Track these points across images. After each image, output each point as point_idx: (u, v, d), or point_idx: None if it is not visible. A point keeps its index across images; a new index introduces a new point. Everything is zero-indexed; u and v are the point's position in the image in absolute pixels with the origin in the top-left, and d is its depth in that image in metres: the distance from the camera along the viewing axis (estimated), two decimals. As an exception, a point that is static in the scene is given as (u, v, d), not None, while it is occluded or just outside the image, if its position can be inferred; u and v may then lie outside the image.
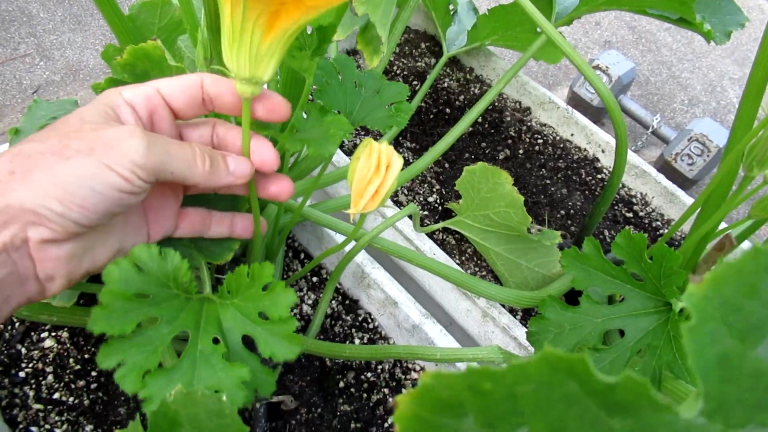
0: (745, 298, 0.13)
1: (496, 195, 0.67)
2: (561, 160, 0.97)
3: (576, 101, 1.57)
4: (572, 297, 0.80)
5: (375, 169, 0.39)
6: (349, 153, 0.90)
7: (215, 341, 0.39)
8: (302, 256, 0.76)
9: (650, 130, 1.52)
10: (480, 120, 1.00)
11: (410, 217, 0.75)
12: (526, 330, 0.57)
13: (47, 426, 0.57)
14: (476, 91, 1.04)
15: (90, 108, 0.38)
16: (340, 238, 0.72)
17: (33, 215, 0.33)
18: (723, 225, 0.81)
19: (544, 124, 1.02)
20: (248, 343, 0.41)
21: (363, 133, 0.96)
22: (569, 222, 0.89)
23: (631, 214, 0.91)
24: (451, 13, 1.03)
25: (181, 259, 0.39)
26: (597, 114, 1.56)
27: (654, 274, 0.50)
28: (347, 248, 0.67)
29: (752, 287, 0.13)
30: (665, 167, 1.45)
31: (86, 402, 0.59)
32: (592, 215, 0.76)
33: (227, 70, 0.40)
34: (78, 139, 0.35)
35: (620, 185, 0.95)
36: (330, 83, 0.53)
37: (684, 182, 1.42)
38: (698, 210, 0.66)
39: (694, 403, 0.14)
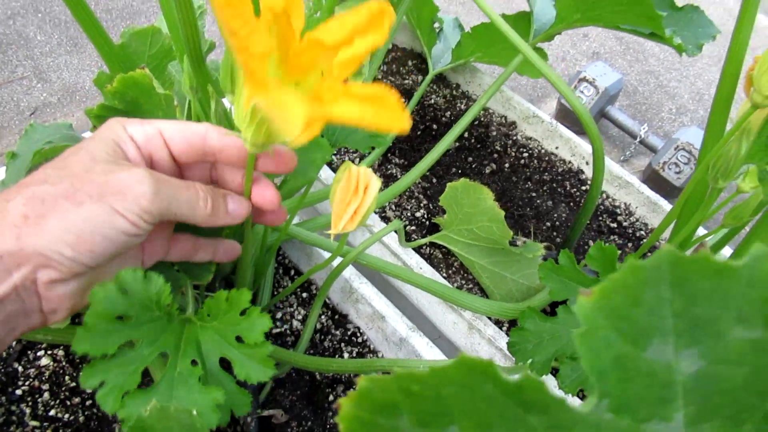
0: (631, 308, 0.15)
1: (479, 210, 0.70)
2: (546, 173, 0.99)
3: (564, 113, 1.59)
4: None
5: (353, 192, 0.41)
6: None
7: (193, 363, 0.40)
8: (292, 272, 0.78)
9: (638, 139, 1.55)
10: (466, 135, 1.02)
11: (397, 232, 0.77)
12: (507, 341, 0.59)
13: (43, 443, 0.59)
14: (462, 106, 1.07)
15: (98, 143, 0.39)
16: (328, 255, 0.74)
17: (44, 259, 0.35)
18: (705, 232, 0.82)
19: (530, 138, 1.04)
20: (226, 364, 0.43)
21: (353, 152, 0.98)
22: (555, 234, 0.91)
23: (615, 225, 0.93)
24: (437, 31, 1.06)
25: (164, 282, 0.40)
26: (585, 125, 1.58)
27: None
28: (334, 264, 0.68)
29: (636, 298, 0.15)
30: (653, 176, 1.47)
31: (81, 418, 0.61)
32: (573, 227, 0.78)
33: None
34: (89, 183, 0.36)
35: (604, 196, 0.97)
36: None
37: (672, 190, 1.44)
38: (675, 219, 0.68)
39: (591, 401, 0.16)
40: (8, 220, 0.34)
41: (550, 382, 0.68)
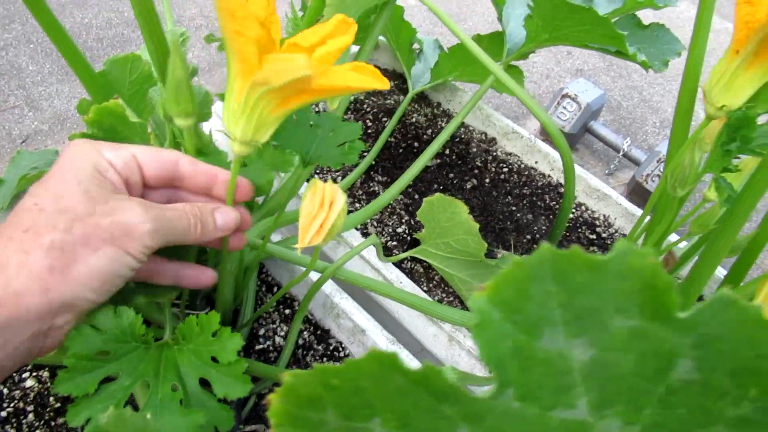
0: (522, 301, 0.17)
1: (455, 223, 0.71)
2: (526, 187, 1.01)
3: (548, 129, 1.62)
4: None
5: (319, 206, 0.43)
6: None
7: (174, 388, 0.42)
8: (275, 289, 0.79)
9: (621, 153, 1.58)
10: (447, 152, 1.05)
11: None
12: (482, 350, 0.60)
13: (27, 463, 0.59)
14: (443, 124, 1.09)
15: (84, 176, 0.40)
16: (313, 273, 0.75)
17: (69, 307, 0.37)
18: (678, 239, 0.84)
19: (510, 153, 1.06)
20: (206, 382, 0.44)
21: (336, 171, 1.00)
22: (535, 246, 0.93)
23: (594, 236, 0.95)
24: (417, 52, 1.09)
25: (135, 314, 0.42)
26: (569, 140, 1.61)
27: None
28: (315, 279, 0.70)
29: (525, 292, 0.17)
30: (637, 188, 1.50)
31: (65, 439, 0.62)
32: (549, 239, 0.79)
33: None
34: (98, 227, 0.38)
35: (583, 209, 0.99)
36: (285, 126, 0.58)
37: (656, 202, 1.46)
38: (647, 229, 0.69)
39: (491, 388, 0.17)
40: (34, 273, 0.35)
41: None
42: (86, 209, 0.38)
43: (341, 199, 0.46)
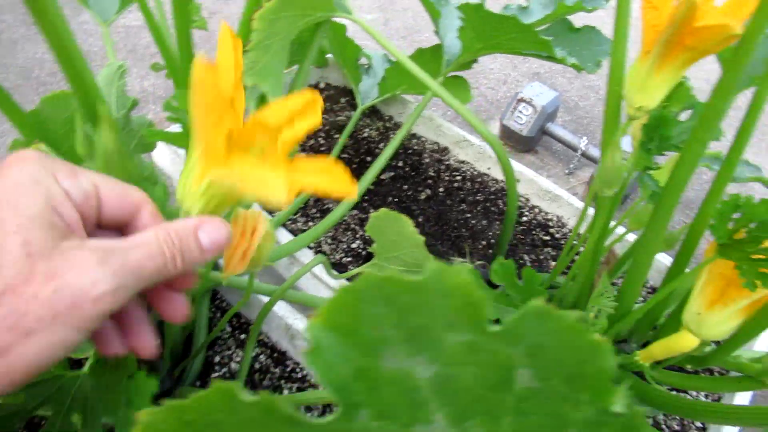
0: (357, 324, 0.17)
1: (402, 237, 0.72)
2: (479, 194, 1.02)
3: (507, 133, 1.65)
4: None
5: (241, 235, 0.43)
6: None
7: (73, 424, 0.41)
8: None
9: (579, 152, 1.60)
10: (401, 164, 1.06)
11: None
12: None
13: None
14: (395, 137, 1.10)
15: (26, 216, 0.31)
16: (263, 297, 0.75)
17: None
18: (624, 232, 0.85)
19: (462, 161, 1.08)
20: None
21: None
22: (490, 251, 0.94)
23: (548, 237, 0.97)
24: (366, 67, 1.10)
25: None
26: (527, 143, 1.64)
27: (524, 295, 0.54)
28: (265, 301, 0.70)
29: (358, 315, 0.17)
30: (596, 186, 1.52)
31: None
32: (498, 244, 0.80)
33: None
34: (35, 302, 0.29)
35: (536, 211, 1.01)
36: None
37: (615, 198, 1.49)
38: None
39: (336, 413, 0.18)
40: None
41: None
42: (20, 272, 0.29)
43: (263, 226, 0.46)
